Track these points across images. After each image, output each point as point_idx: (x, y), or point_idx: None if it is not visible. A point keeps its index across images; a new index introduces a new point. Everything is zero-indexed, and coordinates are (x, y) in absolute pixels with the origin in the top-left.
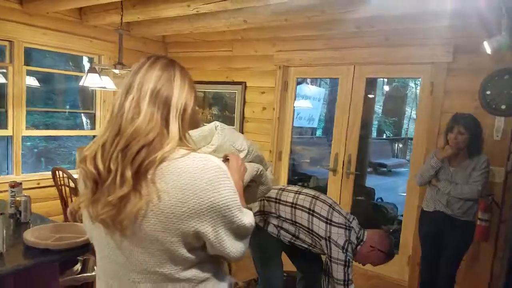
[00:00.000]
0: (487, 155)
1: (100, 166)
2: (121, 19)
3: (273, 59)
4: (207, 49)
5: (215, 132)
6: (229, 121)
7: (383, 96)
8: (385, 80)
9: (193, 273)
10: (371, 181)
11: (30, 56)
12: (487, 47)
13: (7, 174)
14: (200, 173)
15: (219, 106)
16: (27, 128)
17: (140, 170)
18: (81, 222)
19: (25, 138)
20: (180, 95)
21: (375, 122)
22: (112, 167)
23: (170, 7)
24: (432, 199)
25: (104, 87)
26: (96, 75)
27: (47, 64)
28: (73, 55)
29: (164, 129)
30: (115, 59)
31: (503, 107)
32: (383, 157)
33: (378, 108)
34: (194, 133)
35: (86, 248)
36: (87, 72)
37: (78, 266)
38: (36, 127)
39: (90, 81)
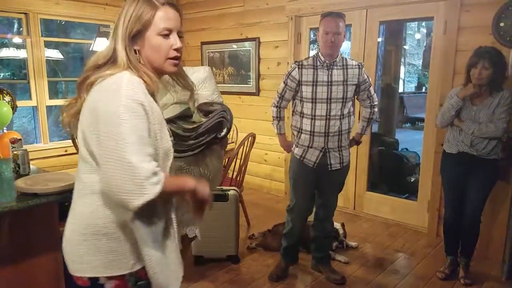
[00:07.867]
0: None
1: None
2: None
3: (285, 10)
4: (220, 7)
5: (210, 75)
6: (245, 79)
7: (423, 48)
8: (419, 28)
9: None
10: (405, 135)
11: (65, 30)
12: None
13: (36, 143)
14: (105, 85)
15: (235, 65)
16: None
17: (85, 87)
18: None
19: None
20: (125, 22)
21: (415, 76)
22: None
23: None
24: (455, 140)
25: None
26: (104, 39)
27: (78, 37)
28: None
29: (115, 57)
30: None
31: None
32: (423, 112)
33: (417, 61)
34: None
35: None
36: (96, 37)
37: None
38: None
39: (99, 45)
